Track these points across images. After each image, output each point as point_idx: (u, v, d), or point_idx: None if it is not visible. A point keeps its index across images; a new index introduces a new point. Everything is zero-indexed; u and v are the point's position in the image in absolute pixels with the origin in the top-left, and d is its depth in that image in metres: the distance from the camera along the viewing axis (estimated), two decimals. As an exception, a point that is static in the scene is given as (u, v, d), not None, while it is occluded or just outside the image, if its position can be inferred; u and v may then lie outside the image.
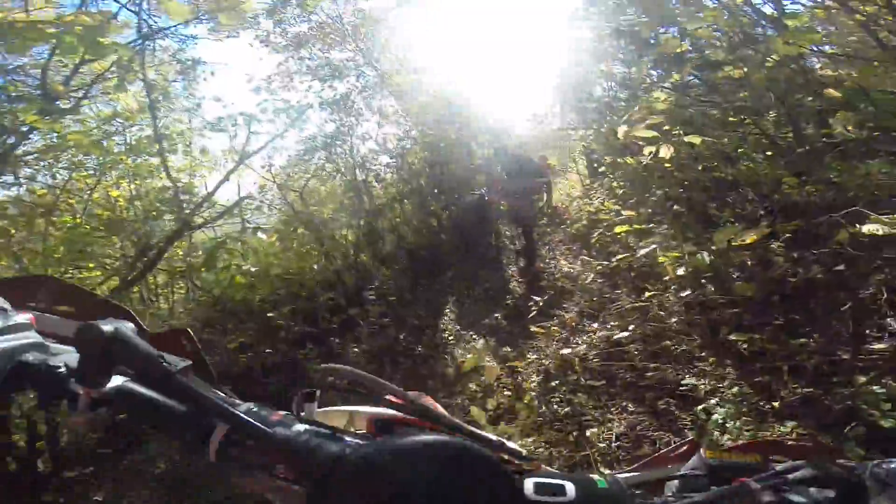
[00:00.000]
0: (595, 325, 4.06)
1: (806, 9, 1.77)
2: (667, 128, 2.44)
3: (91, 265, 4.54)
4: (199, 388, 0.45)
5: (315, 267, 5.76)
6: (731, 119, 3.45)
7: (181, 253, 5.38)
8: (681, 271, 2.58)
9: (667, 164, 2.78)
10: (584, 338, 3.91)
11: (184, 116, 5.77)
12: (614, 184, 5.05)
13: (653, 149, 2.13)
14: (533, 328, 4.07)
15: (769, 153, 3.36)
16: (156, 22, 4.28)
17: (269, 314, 4.76)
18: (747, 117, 3.21)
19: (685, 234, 2.77)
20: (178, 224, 4.92)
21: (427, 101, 6.18)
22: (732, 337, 2.27)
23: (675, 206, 3.24)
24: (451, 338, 4.59)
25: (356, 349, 4.37)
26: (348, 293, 5.33)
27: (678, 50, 2.27)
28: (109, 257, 4.58)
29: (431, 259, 6.07)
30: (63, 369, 0.46)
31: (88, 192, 4.97)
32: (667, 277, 2.92)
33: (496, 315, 4.77)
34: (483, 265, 5.99)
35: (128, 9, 3.99)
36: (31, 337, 0.49)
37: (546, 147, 7.52)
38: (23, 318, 0.52)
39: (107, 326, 0.44)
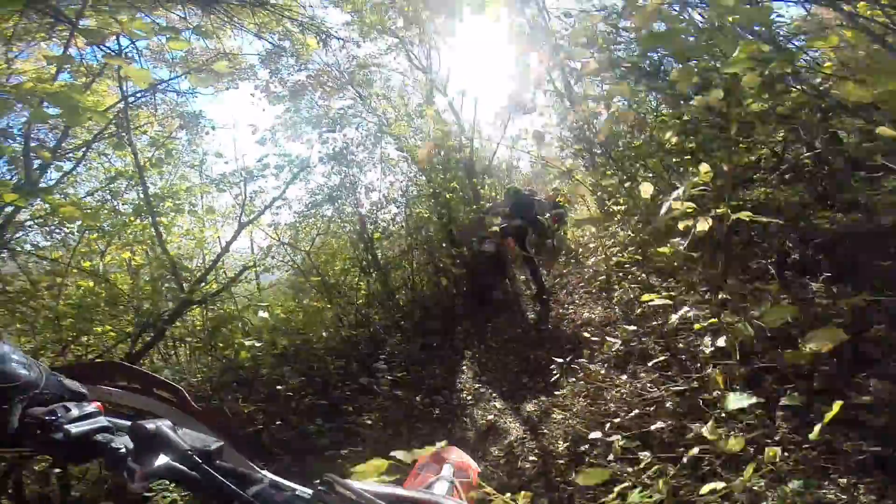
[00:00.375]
0: (624, 376, 3.77)
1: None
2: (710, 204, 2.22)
3: (99, 330, 4.43)
4: (225, 468, 0.62)
5: (324, 333, 5.56)
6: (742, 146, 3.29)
7: (189, 324, 5.23)
8: (721, 342, 2.33)
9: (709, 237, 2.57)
10: (614, 392, 3.62)
11: (190, 173, 5.82)
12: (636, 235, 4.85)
13: (689, 223, 1.93)
14: (555, 383, 3.80)
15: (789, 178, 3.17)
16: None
17: (277, 386, 4.53)
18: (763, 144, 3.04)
19: (724, 304, 2.54)
20: (177, 303, 4.73)
21: (429, 145, 6.12)
22: (784, 402, 1.97)
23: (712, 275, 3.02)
24: (469, 398, 4.29)
25: (370, 420, 4.09)
26: (360, 358, 5.11)
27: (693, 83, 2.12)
28: (116, 327, 4.45)
29: (444, 313, 5.85)
30: (123, 450, 0.62)
31: (101, 253, 4.92)
32: (707, 349, 2.67)
33: (515, 370, 4.49)
34: (498, 314, 5.75)
35: (123, 63, 3.98)
36: (101, 422, 0.65)
37: (557, 180, 7.39)
38: (93, 407, 0.67)
39: (150, 426, 0.62)
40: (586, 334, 4.63)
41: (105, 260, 5.21)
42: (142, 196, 5.01)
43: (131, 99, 4.54)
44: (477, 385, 4.47)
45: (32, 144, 3.73)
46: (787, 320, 1.80)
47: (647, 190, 2.77)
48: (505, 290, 6.29)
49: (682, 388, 3.24)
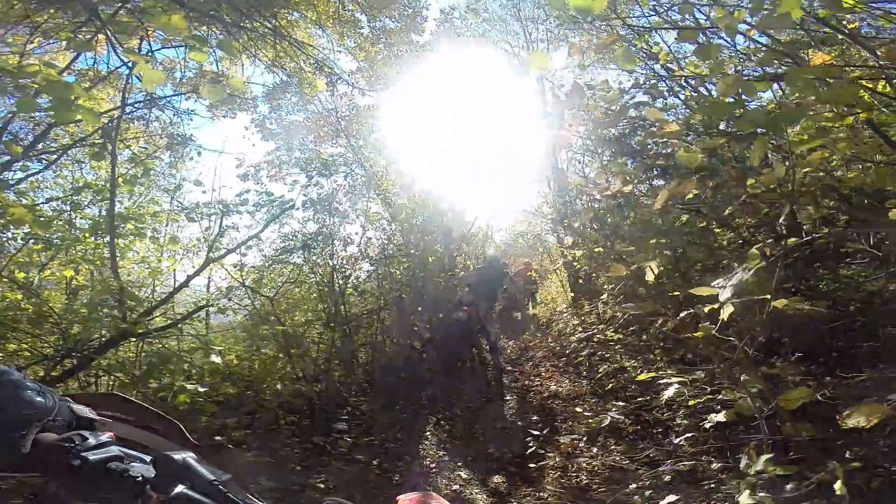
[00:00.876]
0: (595, 449, 3.67)
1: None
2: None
3: (12, 347, 3.85)
4: (237, 498, 0.66)
5: (279, 386, 5.11)
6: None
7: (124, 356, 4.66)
8: (721, 417, 2.37)
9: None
10: (583, 462, 3.49)
11: (162, 197, 5.53)
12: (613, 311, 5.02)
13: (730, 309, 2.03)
14: (524, 454, 3.62)
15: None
16: (147, 92, 4.23)
17: (216, 437, 4.02)
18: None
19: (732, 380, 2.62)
20: (116, 332, 4.26)
21: (413, 207, 6.22)
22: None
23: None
24: (432, 465, 3.97)
25: (321, 483, 3.66)
26: (315, 415, 4.69)
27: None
28: (34, 347, 3.89)
29: (411, 377, 5.59)
30: (140, 478, 0.65)
31: (41, 266, 4.42)
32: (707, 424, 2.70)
33: (481, 439, 4.27)
34: (466, 382, 5.56)
35: (128, 67, 3.88)
36: (114, 451, 0.67)
37: (531, 253, 7.63)
38: (106, 436, 0.70)
39: (178, 456, 0.68)
40: (553, 406, 4.56)
41: (43, 275, 4.71)
42: (105, 213, 4.70)
43: (128, 109, 4.42)
44: (441, 452, 4.17)
45: (6, 138, 3.52)
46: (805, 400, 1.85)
47: (653, 268, 2.85)
48: (473, 360, 6.14)
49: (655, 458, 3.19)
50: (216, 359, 4.37)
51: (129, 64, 3.66)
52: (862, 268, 2.92)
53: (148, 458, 0.71)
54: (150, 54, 3.45)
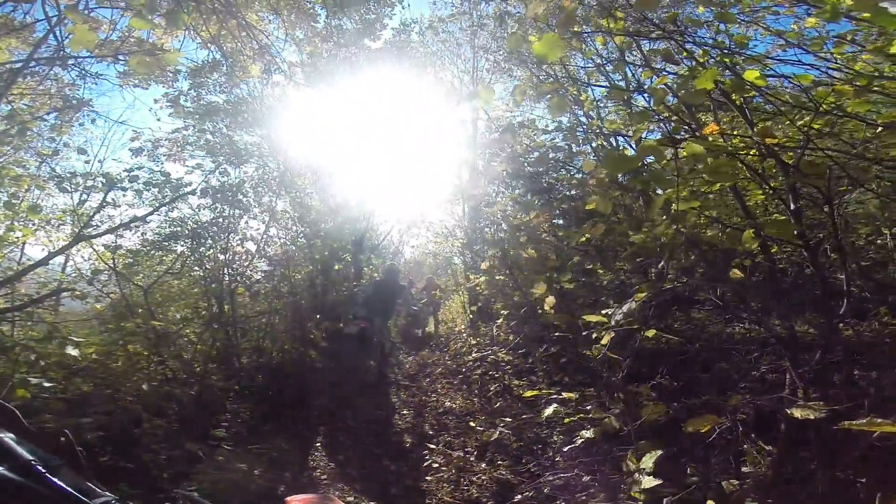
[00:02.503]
0: (483, 464, 3.91)
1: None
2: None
3: None
4: (61, 482, 0.64)
5: (144, 387, 4.51)
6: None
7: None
8: (590, 434, 2.75)
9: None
10: (474, 478, 3.69)
11: (31, 161, 4.63)
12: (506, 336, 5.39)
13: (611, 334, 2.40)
14: (417, 467, 3.71)
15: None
16: (66, 48, 3.62)
17: (62, 438, 3.42)
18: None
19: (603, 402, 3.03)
20: None
21: (324, 210, 6.05)
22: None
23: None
24: (323, 476, 3.85)
25: (194, 490, 3.32)
26: (185, 420, 4.24)
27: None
28: None
29: (301, 384, 5.35)
30: None
31: None
32: (578, 441, 3.07)
33: (376, 452, 4.26)
34: (361, 395, 5.49)
35: (49, 23, 3.32)
36: None
37: (438, 271, 7.82)
38: None
39: None
40: (447, 421, 4.74)
41: None
42: None
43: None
44: (332, 464, 4.06)
45: None
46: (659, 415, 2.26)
47: (540, 289, 3.24)
48: (369, 372, 6.09)
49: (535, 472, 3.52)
50: (73, 351, 3.75)
51: (53, 18, 3.16)
52: (707, 313, 3.65)
53: None
54: (87, 12, 3.00)
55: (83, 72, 4.74)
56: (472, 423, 4.41)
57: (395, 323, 6.33)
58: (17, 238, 4.81)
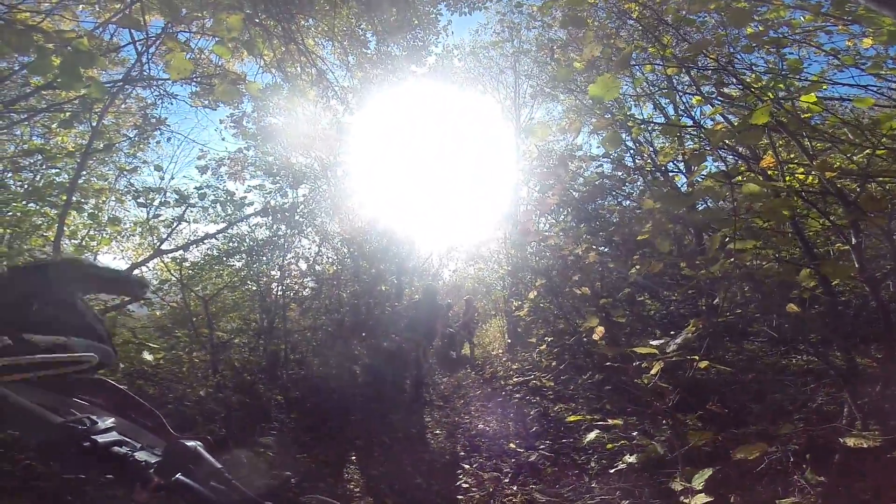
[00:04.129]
0: (515, 487, 3.84)
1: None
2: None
3: None
4: (234, 490, 0.71)
5: (202, 393, 4.79)
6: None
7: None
8: (633, 459, 2.70)
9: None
10: (506, 500, 3.64)
11: (112, 174, 5.16)
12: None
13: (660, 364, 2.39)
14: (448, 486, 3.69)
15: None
16: (149, 70, 4.10)
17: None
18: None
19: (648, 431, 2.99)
20: None
21: (371, 232, 6.29)
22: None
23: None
24: (356, 489, 3.92)
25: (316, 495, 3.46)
26: (237, 428, 4.45)
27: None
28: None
29: (341, 398, 5.49)
30: (143, 462, 0.68)
31: None
32: (621, 465, 3.01)
33: (408, 468, 4.28)
34: (396, 411, 5.56)
35: (136, 48, 3.77)
36: (115, 436, 0.70)
37: (476, 294, 7.85)
38: (110, 422, 0.73)
39: (189, 443, 0.71)
40: (480, 443, 4.71)
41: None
42: (65, 180, 4.38)
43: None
44: (366, 478, 4.12)
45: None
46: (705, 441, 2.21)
47: (592, 322, 3.23)
48: (405, 391, 6.16)
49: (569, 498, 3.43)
50: (148, 356, 4.08)
51: (140, 43, 3.63)
52: (761, 345, 3.50)
53: (139, 445, 0.74)
54: (186, 42, 3.44)
55: (162, 92, 5.30)
56: (511, 445, 4.37)
57: (432, 343, 6.38)
58: (94, 246, 5.31)
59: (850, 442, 1.65)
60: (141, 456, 0.68)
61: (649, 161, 4.77)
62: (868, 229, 2.60)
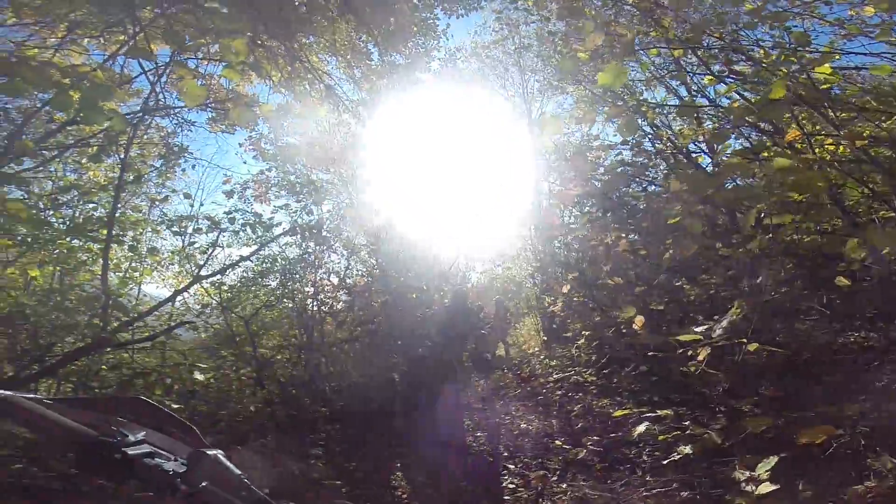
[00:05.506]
0: (564, 485, 3.78)
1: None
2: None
3: None
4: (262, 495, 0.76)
5: (252, 409, 4.95)
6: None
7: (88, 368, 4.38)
8: (688, 449, 2.62)
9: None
10: (555, 498, 3.59)
11: (145, 205, 5.39)
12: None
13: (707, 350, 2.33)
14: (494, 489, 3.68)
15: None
16: (164, 98, 4.27)
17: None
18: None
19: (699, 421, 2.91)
20: (94, 340, 4.07)
21: (396, 241, 6.36)
22: None
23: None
24: (403, 496, 3.94)
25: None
26: (287, 440, 4.57)
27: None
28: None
29: (382, 407, 5.55)
30: (172, 472, 0.72)
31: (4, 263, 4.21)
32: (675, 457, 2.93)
33: (454, 472, 4.28)
34: (437, 416, 5.57)
35: (147, 78, 3.95)
36: (145, 447, 0.75)
37: (506, 295, 7.80)
38: (140, 435, 0.78)
39: (210, 452, 0.77)
40: (523, 443, 4.66)
41: (9, 271, 4.48)
42: (80, 215, 4.60)
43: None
44: (412, 485, 4.15)
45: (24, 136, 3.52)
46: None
47: (630, 312, 3.17)
48: (441, 395, 6.16)
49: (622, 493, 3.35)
50: (199, 376, 4.26)
51: (151, 73, 3.79)
52: (813, 323, 3.35)
53: (173, 457, 0.79)
54: (196, 69, 3.58)
55: (180, 120, 5.50)
56: (556, 442, 4.31)
57: (466, 347, 6.38)
58: (137, 277, 5.56)
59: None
60: (169, 466, 0.73)
61: (669, 144, 4.65)
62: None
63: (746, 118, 2.39)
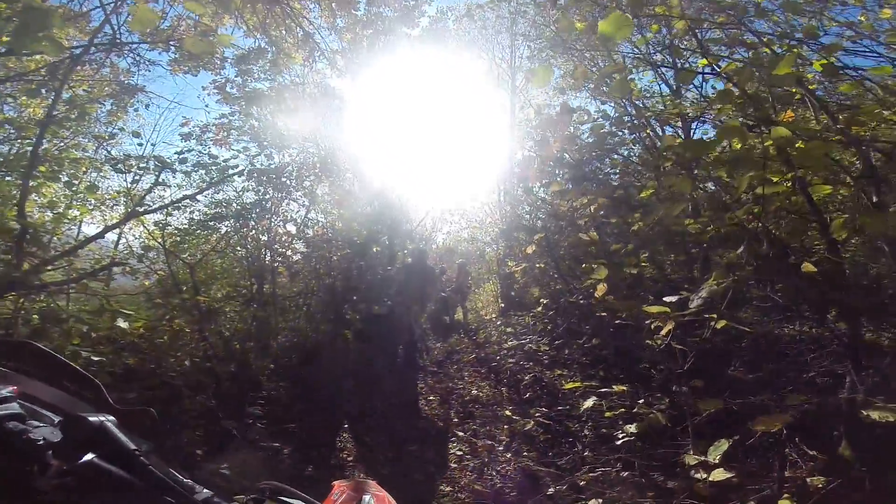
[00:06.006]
0: (508, 454, 3.82)
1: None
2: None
3: None
4: (161, 471, 0.57)
5: (187, 363, 4.68)
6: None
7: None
8: (633, 428, 2.61)
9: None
10: (499, 468, 3.62)
11: (88, 144, 4.89)
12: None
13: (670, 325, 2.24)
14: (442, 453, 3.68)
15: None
16: (122, 34, 3.78)
17: (147, 418, 3.58)
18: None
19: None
20: (4, 281, 3.67)
21: (362, 195, 6.09)
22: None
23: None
24: (349, 458, 3.89)
25: (226, 469, 3.40)
26: (225, 397, 4.38)
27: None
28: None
29: (334, 365, 5.43)
30: (42, 442, 0.55)
31: None
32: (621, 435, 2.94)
33: (402, 436, 4.26)
34: (389, 378, 5.53)
35: (104, 9, 3.47)
36: (13, 408, 0.57)
37: (469, 258, 7.71)
38: (7, 390, 0.59)
39: (94, 419, 0.58)
40: (473, 410, 4.68)
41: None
42: (17, 150, 4.11)
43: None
44: (359, 446, 4.10)
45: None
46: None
47: (601, 274, 3.06)
48: (396, 356, 6.12)
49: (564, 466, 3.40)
50: (122, 324, 3.92)
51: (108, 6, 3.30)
52: (763, 312, 3.37)
53: (56, 420, 0.62)
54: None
55: (138, 59, 4.97)
56: (505, 412, 4.33)
57: (425, 308, 6.30)
58: (74, 216, 5.09)
59: (876, 416, 1.54)
60: (40, 434, 0.55)
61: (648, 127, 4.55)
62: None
63: (745, 94, 2.25)
